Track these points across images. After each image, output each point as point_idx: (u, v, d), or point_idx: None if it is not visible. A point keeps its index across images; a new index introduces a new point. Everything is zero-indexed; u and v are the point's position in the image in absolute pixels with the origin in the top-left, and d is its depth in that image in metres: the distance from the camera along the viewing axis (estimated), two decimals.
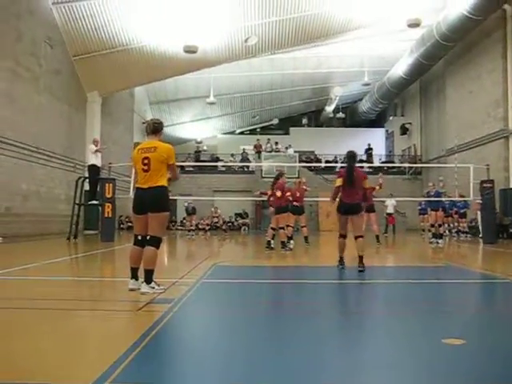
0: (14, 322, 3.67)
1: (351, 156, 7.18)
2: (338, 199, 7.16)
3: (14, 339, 3.20)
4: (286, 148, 28.62)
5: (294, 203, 11.49)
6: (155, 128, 4.76)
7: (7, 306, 4.13)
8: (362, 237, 6.99)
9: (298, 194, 11.76)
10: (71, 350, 2.95)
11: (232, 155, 28.90)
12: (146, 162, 4.58)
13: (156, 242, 4.58)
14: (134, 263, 4.63)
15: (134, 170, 5.04)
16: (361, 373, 2.58)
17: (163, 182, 4.64)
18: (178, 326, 3.56)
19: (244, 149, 29.36)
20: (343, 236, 7.11)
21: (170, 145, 4.78)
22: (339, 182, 7.07)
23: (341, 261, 7.10)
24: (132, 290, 4.60)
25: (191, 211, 18.32)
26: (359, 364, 2.73)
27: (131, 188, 14.73)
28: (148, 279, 4.53)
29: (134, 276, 4.63)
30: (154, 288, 4.56)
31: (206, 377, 2.50)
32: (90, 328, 3.57)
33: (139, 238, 4.66)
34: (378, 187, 12.42)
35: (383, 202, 18.56)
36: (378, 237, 12.68)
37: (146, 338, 3.03)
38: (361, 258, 6.84)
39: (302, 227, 12.44)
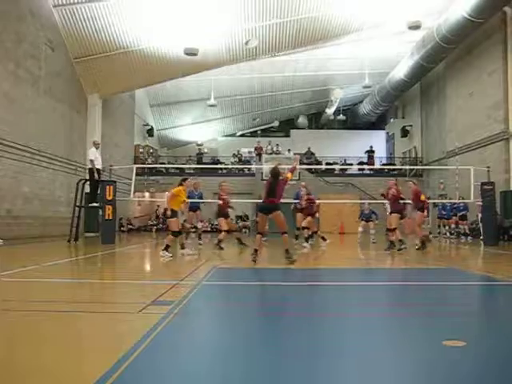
0: (14, 324, 3.67)
1: (274, 173, 8.34)
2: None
3: (13, 341, 3.20)
4: (289, 150, 28.52)
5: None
6: (180, 183, 9.92)
7: (7, 308, 4.13)
8: (286, 233, 8.32)
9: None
10: (71, 352, 2.95)
11: (234, 155, 28.88)
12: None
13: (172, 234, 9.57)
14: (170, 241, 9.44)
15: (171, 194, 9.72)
16: (362, 374, 2.57)
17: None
18: (178, 328, 3.55)
19: (238, 150, 29.39)
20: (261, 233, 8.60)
21: (179, 187, 9.72)
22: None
23: (255, 253, 8.05)
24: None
25: (195, 207, 13.03)
26: (360, 365, 2.72)
27: (132, 190, 14.83)
28: (167, 249, 9.19)
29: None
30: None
31: (207, 381, 2.49)
32: (90, 330, 3.56)
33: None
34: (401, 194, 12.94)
35: (383, 204, 18.50)
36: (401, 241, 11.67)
37: (147, 340, 3.03)
38: (287, 250, 8.15)
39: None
